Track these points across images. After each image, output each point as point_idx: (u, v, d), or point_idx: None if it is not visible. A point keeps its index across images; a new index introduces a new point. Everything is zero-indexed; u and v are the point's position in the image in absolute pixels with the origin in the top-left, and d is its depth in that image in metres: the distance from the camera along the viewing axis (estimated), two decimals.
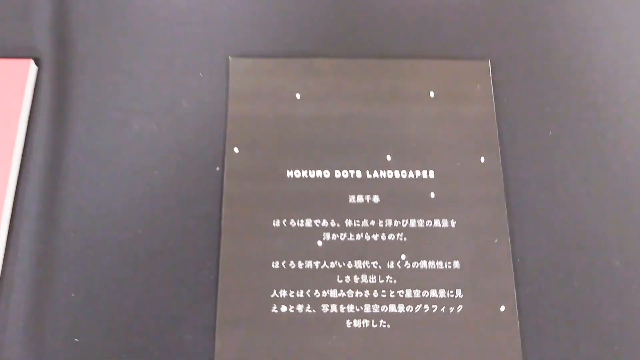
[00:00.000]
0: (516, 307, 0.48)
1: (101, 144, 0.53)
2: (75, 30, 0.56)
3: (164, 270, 0.49)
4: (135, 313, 0.48)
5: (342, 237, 0.50)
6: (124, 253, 0.49)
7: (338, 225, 0.50)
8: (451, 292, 0.48)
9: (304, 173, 0.51)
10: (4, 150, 0.50)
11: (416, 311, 0.48)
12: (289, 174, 0.51)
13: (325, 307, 0.48)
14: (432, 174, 0.52)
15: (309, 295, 0.48)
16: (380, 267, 0.49)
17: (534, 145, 0.53)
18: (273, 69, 0.55)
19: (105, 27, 0.56)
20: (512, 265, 0.49)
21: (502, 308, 0.48)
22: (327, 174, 0.52)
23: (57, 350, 0.47)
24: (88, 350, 0.47)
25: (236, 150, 0.52)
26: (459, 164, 0.52)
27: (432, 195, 0.51)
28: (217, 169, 0.52)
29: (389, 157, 0.52)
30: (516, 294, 0.49)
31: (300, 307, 0.48)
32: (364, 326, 0.48)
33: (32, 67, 0.54)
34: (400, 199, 0.51)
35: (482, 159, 0.52)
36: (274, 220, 0.50)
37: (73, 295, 0.48)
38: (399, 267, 0.49)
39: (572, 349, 0.47)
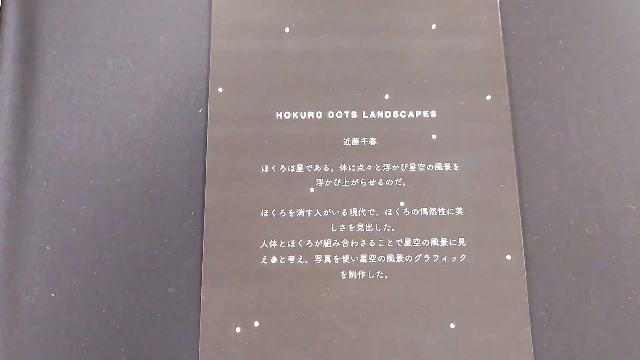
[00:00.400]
0: (523, 256, 0.45)
1: (73, 84, 0.48)
2: None
3: (144, 220, 0.46)
4: (114, 266, 0.45)
5: (336, 183, 0.46)
6: (102, 202, 0.46)
7: (332, 170, 0.46)
8: (453, 240, 0.45)
9: (295, 114, 0.47)
10: None
11: (416, 261, 0.45)
12: (278, 115, 0.47)
13: (318, 258, 0.45)
14: (433, 114, 0.48)
15: (300, 246, 0.45)
16: (377, 214, 0.46)
17: (545, 82, 0.49)
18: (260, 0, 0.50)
19: None
20: (519, 211, 0.46)
21: (508, 257, 0.45)
22: (319, 115, 0.48)
23: (32, 307, 0.44)
24: (65, 306, 0.44)
25: (220, 90, 0.48)
26: (462, 103, 0.48)
27: (434, 136, 0.47)
28: (200, 110, 0.48)
29: (386, 96, 0.48)
30: (523, 242, 0.45)
31: (291, 258, 0.45)
32: (359, 277, 0.45)
33: None
34: (399, 141, 0.47)
35: (488, 97, 0.48)
36: (263, 166, 0.46)
37: (48, 248, 0.45)
38: (398, 214, 0.46)
39: (583, 300, 0.45)
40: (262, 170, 0.46)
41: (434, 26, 0.50)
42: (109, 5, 0.50)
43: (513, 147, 0.47)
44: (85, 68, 0.49)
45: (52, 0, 0.50)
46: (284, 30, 0.49)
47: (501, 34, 0.50)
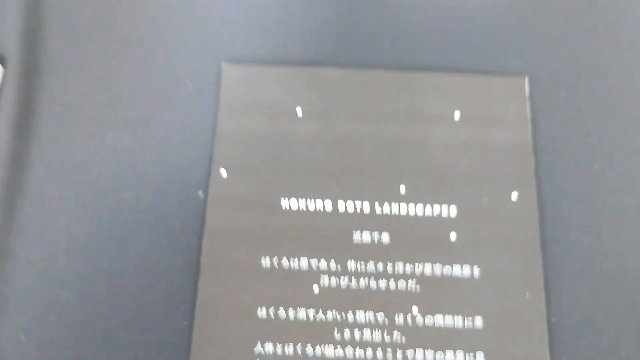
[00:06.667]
0: None
1: (67, 158, 0.45)
2: (47, 26, 0.49)
3: (130, 313, 0.42)
4: None
5: (343, 282, 0.42)
6: (86, 290, 0.42)
7: (339, 267, 0.42)
8: (471, 354, 0.40)
9: (302, 203, 0.44)
10: None
11: None
12: (284, 203, 0.44)
13: None
14: (453, 211, 0.43)
15: (299, 352, 0.40)
16: (387, 321, 0.41)
17: (577, 181, 0.45)
18: (272, 78, 0.47)
19: (80, 23, 0.49)
20: (546, 326, 0.41)
21: None
22: (329, 205, 0.44)
23: None
24: None
25: (223, 172, 0.44)
26: (485, 200, 0.44)
27: (453, 236, 0.43)
28: (200, 194, 0.44)
29: (403, 189, 0.44)
30: None
31: None
32: None
33: None
34: (415, 240, 0.43)
35: (514, 195, 0.44)
36: (263, 259, 0.42)
37: (23, 337, 0.41)
38: (410, 321, 0.41)
39: None
40: (263, 263, 0.42)
41: (457, 115, 0.46)
42: (112, 75, 0.48)
43: (540, 251, 0.43)
44: (81, 141, 0.46)
45: (53, 65, 0.48)
46: (296, 111, 0.46)
47: (530, 126, 0.46)
